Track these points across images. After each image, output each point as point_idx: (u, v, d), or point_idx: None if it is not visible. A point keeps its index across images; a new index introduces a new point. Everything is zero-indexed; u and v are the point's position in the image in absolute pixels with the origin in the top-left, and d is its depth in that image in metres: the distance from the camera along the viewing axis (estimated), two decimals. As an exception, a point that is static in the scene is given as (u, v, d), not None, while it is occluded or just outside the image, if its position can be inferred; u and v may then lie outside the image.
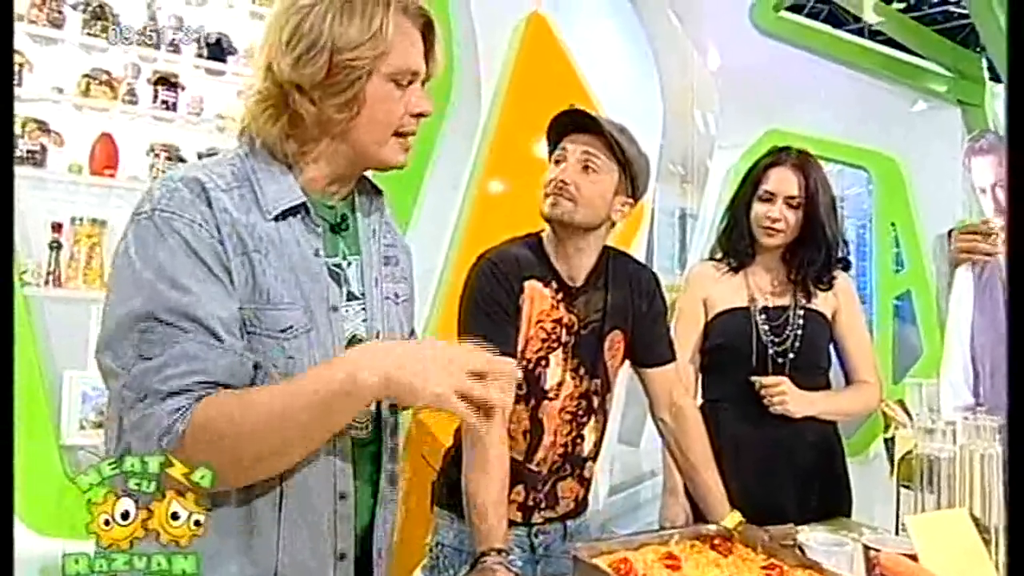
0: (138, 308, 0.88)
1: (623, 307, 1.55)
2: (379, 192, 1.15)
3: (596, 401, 1.54)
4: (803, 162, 1.81)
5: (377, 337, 1.05)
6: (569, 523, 1.57)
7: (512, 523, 1.45)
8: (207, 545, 0.85)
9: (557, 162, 1.51)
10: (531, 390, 1.48)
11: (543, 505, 1.53)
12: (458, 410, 0.86)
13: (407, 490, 2.23)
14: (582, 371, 1.52)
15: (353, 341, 1.02)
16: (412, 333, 1.21)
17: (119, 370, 0.89)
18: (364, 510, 1.06)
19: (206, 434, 0.86)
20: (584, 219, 1.47)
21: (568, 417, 1.51)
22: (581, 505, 1.60)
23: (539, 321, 1.48)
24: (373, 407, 1.06)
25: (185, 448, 0.85)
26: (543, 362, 1.48)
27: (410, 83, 1.00)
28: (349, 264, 1.06)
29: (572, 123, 1.50)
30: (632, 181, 1.50)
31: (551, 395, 1.49)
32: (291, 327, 0.95)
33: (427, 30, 1.02)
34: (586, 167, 1.46)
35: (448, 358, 0.87)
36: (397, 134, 1.01)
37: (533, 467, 1.50)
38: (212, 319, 0.89)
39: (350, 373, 0.86)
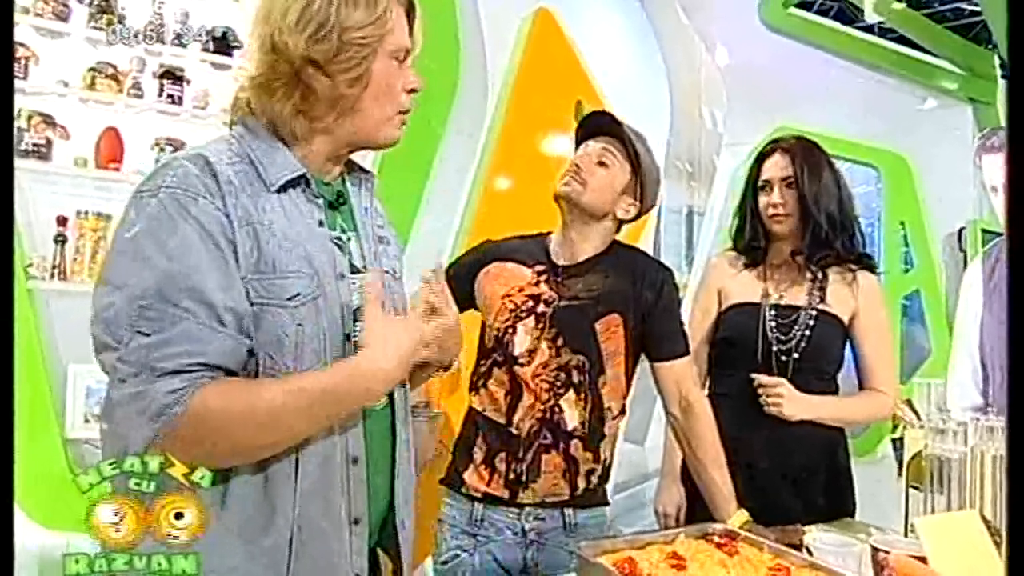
0: (142, 285, 0.88)
1: (623, 293, 1.58)
2: (368, 173, 1.18)
3: (577, 376, 1.56)
4: (791, 145, 1.81)
5: (383, 308, 1.07)
6: (568, 512, 1.56)
7: (500, 501, 1.54)
8: (229, 519, 0.91)
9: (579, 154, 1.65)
10: (504, 355, 1.59)
11: (525, 478, 1.54)
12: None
13: (427, 479, 2.23)
14: (559, 342, 1.56)
15: (359, 312, 1.04)
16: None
17: (114, 343, 0.88)
18: (382, 479, 1.09)
19: (205, 423, 0.87)
20: (589, 203, 1.59)
21: (545, 385, 1.56)
22: (575, 491, 1.57)
23: (508, 295, 1.61)
24: None
25: (179, 433, 0.86)
26: (510, 330, 1.59)
27: (403, 60, 1.06)
28: (348, 239, 1.09)
29: (596, 125, 1.66)
30: (642, 185, 1.62)
31: (522, 361, 1.57)
32: (298, 294, 0.97)
33: (411, 10, 1.09)
34: (601, 161, 1.61)
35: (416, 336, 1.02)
36: (397, 111, 1.07)
37: (513, 430, 1.56)
38: (216, 300, 0.90)
39: (356, 375, 0.95)
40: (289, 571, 0.96)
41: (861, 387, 1.85)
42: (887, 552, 1.20)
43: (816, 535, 1.35)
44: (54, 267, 2.33)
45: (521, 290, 1.61)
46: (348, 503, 1.02)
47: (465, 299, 1.64)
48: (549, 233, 1.68)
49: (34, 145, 2.32)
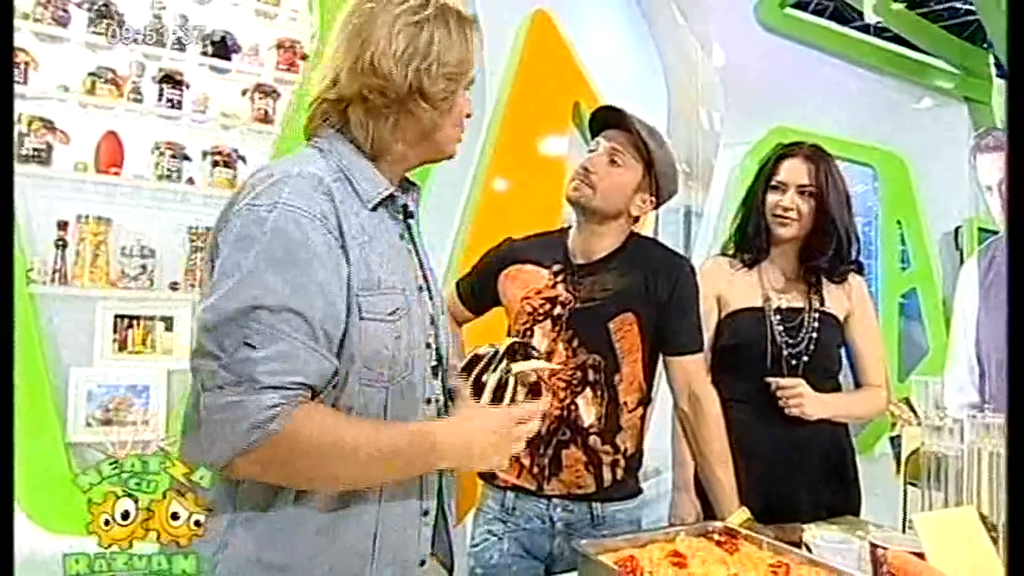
0: (250, 300, 0.91)
1: (636, 290, 1.59)
2: (415, 185, 1.23)
3: (593, 375, 1.58)
4: (813, 153, 1.82)
5: (443, 314, 1.17)
6: (596, 506, 1.58)
7: (529, 492, 1.59)
8: (321, 520, 0.96)
9: (590, 152, 1.64)
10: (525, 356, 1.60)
11: (548, 472, 1.57)
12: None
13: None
14: (575, 343, 1.59)
15: (434, 320, 1.12)
16: None
17: (219, 352, 0.90)
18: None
19: (294, 447, 0.90)
20: (600, 206, 1.60)
21: (563, 384, 1.59)
22: (601, 483, 1.59)
23: (526, 298, 1.64)
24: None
25: (269, 449, 0.88)
26: (528, 333, 1.63)
27: (469, 88, 1.16)
28: (415, 251, 1.16)
29: (608, 119, 1.65)
30: (656, 181, 1.62)
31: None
32: (397, 309, 1.03)
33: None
34: (612, 161, 1.60)
35: (500, 435, 1.08)
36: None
37: None
38: (316, 322, 0.94)
39: (432, 456, 1.03)
40: (373, 561, 1.02)
41: (857, 383, 1.89)
42: (886, 548, 1.21)
43: (815, 532, 1.35)
44: (55, 271, 2.34)
45: (538, 292, 1.64)
46: (421, 496, 1.09)
47: (490, 299, 1.74)
48: (571, 227, 1.70)
49: (34, 150, 2.32)
